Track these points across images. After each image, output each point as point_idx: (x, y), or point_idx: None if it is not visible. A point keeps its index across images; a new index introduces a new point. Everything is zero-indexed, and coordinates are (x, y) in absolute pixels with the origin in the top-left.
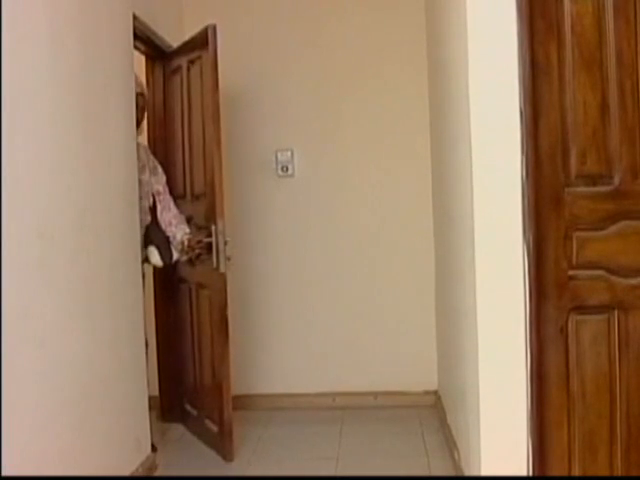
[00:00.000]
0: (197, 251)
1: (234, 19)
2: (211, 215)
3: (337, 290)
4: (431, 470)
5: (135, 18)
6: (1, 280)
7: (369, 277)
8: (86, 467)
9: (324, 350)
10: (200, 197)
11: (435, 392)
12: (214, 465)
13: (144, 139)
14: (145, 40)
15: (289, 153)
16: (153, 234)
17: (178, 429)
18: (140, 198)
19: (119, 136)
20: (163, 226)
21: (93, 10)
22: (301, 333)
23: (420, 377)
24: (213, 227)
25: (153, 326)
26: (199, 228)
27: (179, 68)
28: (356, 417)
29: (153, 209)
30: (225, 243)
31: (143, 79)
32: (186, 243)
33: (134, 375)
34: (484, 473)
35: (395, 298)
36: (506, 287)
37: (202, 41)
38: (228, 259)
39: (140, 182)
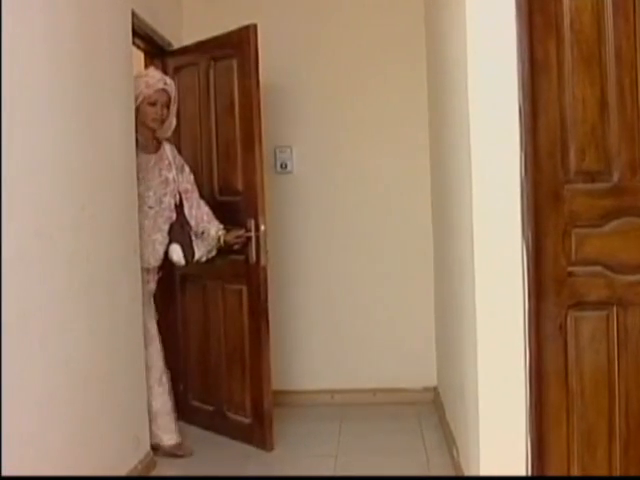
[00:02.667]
0: (236, 247)
1: (233, 16)
2: (251, 211)
3: (335, 287)
4: (430, 467)
5: (134, 15)
6: (0, 279)
7: (367, 274)
8: (85, 464)
9: (323, 347)
10: (232, 194)
11: (434, 389)
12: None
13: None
14: (144, 37)
15: (288, 150)
16: (177, 232)
17: (182, 426)
18: (165, 195)
19: (118, 134)
20: (193, 223)
21: (92, 7)
22: (298, 330)
23: (419, 374)
24: (252, 221)
25: None
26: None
27: (191, 65)
28: (355, 414)
29: (179, 207)
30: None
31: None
32: (222, 238)
33: (133, 373)
34: (483, 470)
35: (394, 295)
36: (505, 284)
37: (238, 39)
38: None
39: (167, 180)
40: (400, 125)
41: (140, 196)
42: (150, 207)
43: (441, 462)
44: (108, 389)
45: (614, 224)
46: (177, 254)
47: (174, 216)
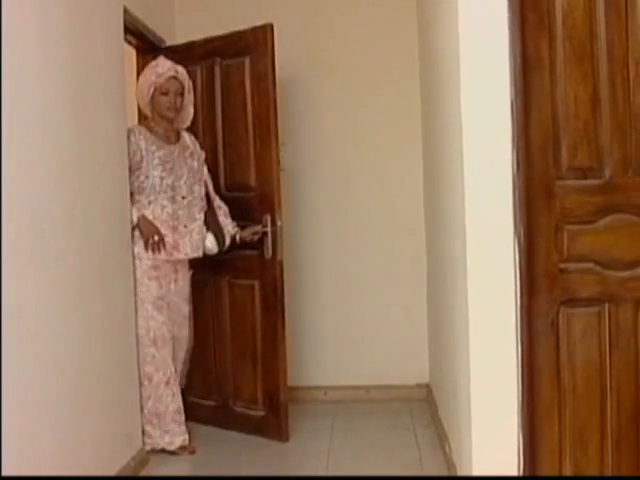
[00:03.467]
0: (254, 241)
1: (223, 12)
2: (266, 206)
3: (327, 284)
4: (422, 463)
5: (126, 11)
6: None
7: (359, 270)
8: (76, 461)
9: (315, 344)
10: (243, 190)
11: (427, 385)
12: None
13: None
14: (136, 33)
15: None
16: (209, 220)
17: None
18: (195, 183)
19: (109, 130)
20: (220, 213)
21: (84, 3)
22: (291, 327)
23: (412, 370)
24: (268, 217)
25: None
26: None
27: (190, 62)
28: (348, 410)
29: (207, 197)
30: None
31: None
32: (238, 236)
33: (126, 370)
34: (475, 466)
35: (387, 291)
36: (497, 280)
37: (254, 39)
38: None
39: (193, 169)
40: (393, 122)
41: (171, 187)
42: (183, 197)
43: (433, 458)
44: (100, 385)
45: (606, 221)
46: (210, 242)
47: (205, 205)
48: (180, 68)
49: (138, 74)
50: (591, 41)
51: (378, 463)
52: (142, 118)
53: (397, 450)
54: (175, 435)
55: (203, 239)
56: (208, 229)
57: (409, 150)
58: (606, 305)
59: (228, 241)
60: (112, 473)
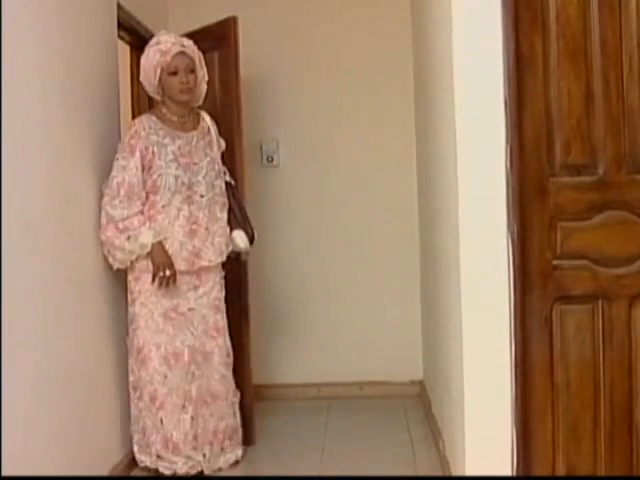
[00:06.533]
0: None
1: (216, 8)
2: None
3: (321, 280)
4: (416, 460)
5: (119, 7)
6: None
7: (353, 267)
8: (70, 459)
9: (309, 340)
10: None
11: (420, 382)
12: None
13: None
14: (129, 30)
15: (274, 144)
16: (235, 216)
17: None
18: (215, 178)
19: (102, 125)
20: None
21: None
22: (285, 324)
23: (405, 367)
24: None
25: None
26: None
27: None
28: (342, 407)
29: (227, 188)
30: None
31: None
32: None
33: (119, 367)
34: (468, 462)
35: (380, 288)
36: (490, 277)
37: (220, 32)
38: None
39: (213, 160)
40: (386, 119)
41: (188, 186)
42: (202, 195)
43: (427, 455)
44: (93, 383)
45: (599, 217)
46: (242, 240)
47: (227, 202)
48: (187, 40)
49: (132, 71)
50: (585, 37)
51: (372, 460)
52: (154, 103)
53: (391, 447)
54: (193, 462)
55: (227, 240)
56: (236, 227)
57: (402, 148)
58: (599, 302)
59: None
60: (105, 472)
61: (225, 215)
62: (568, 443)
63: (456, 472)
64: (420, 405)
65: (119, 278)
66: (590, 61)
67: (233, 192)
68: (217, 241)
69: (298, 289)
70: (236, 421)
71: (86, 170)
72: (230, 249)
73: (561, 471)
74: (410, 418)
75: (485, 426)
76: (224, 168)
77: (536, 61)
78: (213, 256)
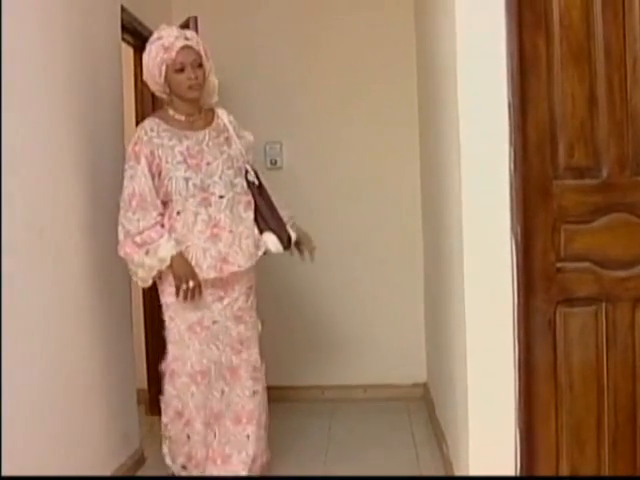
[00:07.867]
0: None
1: (222, 11)
2: None
3: (325, 283)
4: (420, 462)
5: (123, 10)
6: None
7: (357, 270)
8: (72, 460)
9: (313, 343)
10: None
11: (424, 384)
12: None
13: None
14: (133, 32)
15: (278, 146)
16: (265, 217)
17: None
18: (235, 176)
19: (106, 129)
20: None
21: (81, 2)
22: (289, 326)
23: (409, 370)
24: None
25: (141, 315)
26: None
27: None
28: (345, 410)
29: (253, 186)
30: None
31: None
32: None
33: (122, 369)
34: (472, 465)
35: (384, 290)
36: (494, 280)
37: None
38: None
39: (230, 157)
40: (390, 121)
41: (201, 188)
42: (221, 196)
43: (431, 457)
44: (96, 384)
45: (603, 220)
46: (273, 243)
47: (252, 200)
48: (190, 32)
49: (135, 74)
50: (588, 40)
51: (375, 462)
52: (159, 105)
53: (394, 449)
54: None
55: (256, 242)
56: (266, 229)
57: (406, 150)
58: (603, 304)
59: (294, 236)
60: (108, 473)
61: (251, 214)
62: (572, 446)
63: (459, 475)
64: (424, 407)
65: (121, 278)
66: (594, 64)
67: (259, 191)
68: (245, 243)
69: (302, 292)
70: (259, 446)
71: (88, 174)
72: (262, 252)
73: (565, 474)
74: (414, 420)
75: (489, 429)
76: (248, 166)
77: (540, 64)
78: (242, 260)
